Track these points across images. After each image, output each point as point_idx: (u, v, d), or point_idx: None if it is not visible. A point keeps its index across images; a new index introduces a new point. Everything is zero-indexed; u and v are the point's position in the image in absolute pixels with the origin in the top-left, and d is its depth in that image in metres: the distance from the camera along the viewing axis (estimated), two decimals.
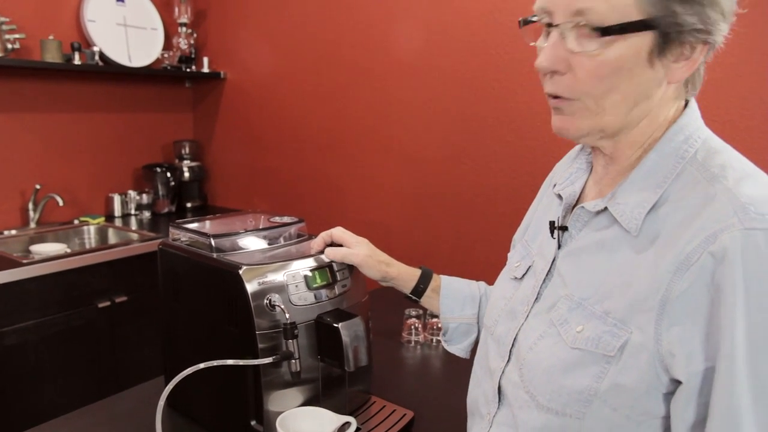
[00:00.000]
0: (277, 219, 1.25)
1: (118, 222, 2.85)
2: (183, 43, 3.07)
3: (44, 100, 2.69)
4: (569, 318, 0.73)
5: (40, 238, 2.55)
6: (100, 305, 2.28)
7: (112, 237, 2.73)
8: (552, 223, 0.81)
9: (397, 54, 2.41)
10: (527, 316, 0.80)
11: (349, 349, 1.01)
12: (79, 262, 2.22)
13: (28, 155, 2.65)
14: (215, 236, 1.11)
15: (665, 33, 0.64)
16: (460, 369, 1.09)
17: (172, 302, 1.19)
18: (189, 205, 3.17)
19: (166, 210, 3.05)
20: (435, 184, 2.37)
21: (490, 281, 2.36)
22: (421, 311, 1.59)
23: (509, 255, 0.97)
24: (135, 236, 2.63)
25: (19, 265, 2.07)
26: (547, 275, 0.80)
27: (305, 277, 1.05)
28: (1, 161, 2.56)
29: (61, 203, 2.60)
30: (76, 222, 2.75)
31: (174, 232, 1.20)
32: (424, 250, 2.42)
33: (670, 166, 0.70)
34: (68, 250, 2.46)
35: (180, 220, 1.22)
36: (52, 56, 2.50)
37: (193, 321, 1.15)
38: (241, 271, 1.00)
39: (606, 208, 0.73)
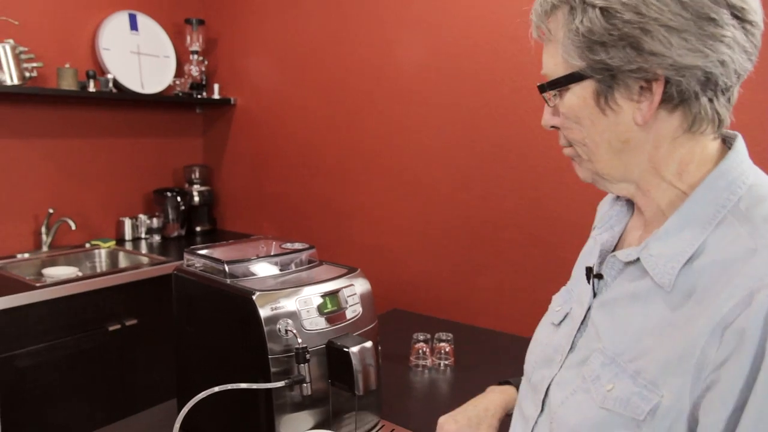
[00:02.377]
0: (289, 245, 1.28)
1: (128, 245, 2.89)
2: (194, 71, 3.14)
3: (59, 127, 2.75)
4: (601, 374, 0.69)
5: (52, 262, 2.59)
6: (111, 328, 2.30)
7: (123, 261, 2.77)
8: (589, 269, 0.78)
9: (404, 81, 2.46)
10: (561, 366, 0.78)
11: (359, 373, 1.03)
12: (91, 285, 2.25)
13: (43, 180, 2.70)
14: (229, 262, 1.14)
15: (600, 79, 0.66)
16: (467, 393, 1.11)
17: (186, 326, 1.21)
18: (198, 229, 3.21)
19: (175, 234, 3.09)
20: (442, 210, 2.40)
21: (496, 309, 2.38)
22: (429, 336, 1.61)
23: (554, 297, 0.92)
24: (145, 260, 2.67)
25: (32, 288, 2.11)
26: (581, 324, 0.77)
27: (317, 302, 1.08)
28: (16, 186, 2.62)
29: (73, 227, 2.64)
30: (87, 245, 2.79)
31: (188, 258, 1.23)
32: (430, 276, 2.44)
33: (709, 215, 0.65)
34: (80, 274, 2.49)
35: (194, 246, 1.26)
36: (68, 84, 2.57)
37: (206, 345, 1.17)
38: (254, 297, 1.02)
39: (638, 259, 0.69)
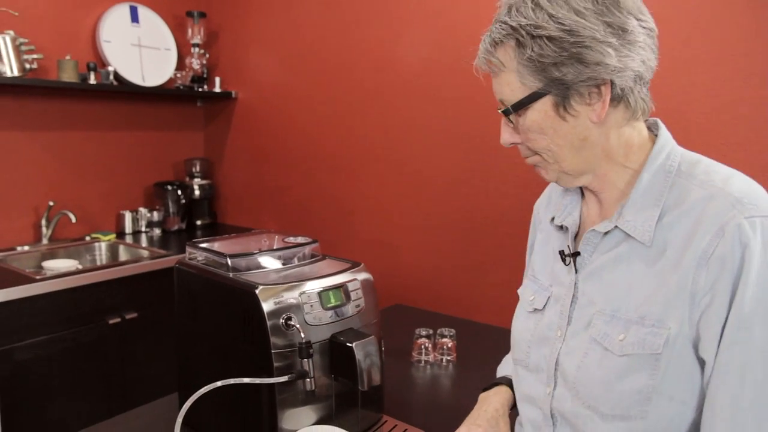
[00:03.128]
0: (291, 239, 1.27)
1: (128, 239, 2.88)
2: (195, 63, 3.12)
3: (59, 119, 2.74)
4: (608, 331, 0.80)
5: (52, 254, 2.58)
6: (111, 322, 2.30)
7: (123, 254, 2.76)
8: (562, 252, 0.90)
9: (406, 75, 2.45)
10: (564, 339, 0.87)
11: (362, 368, 1.03)
12: (91, 278, 2.24)
13: (43, 172, 2.69)
14: (231, 256, 1.13)
15: (557, 93, 0.78)
16: (469, 388, 1.10)
17: (188, 320, 1.20)
18: (199, 222, 3.20)
19: (176, 227, 3.08)
20: (443, 205, 2.39)
21: (499, 305, 2.37)
22: (431, 331, 1.60)
23: (519, 292, 1.02)
24: (145, 253, 2.66)
25: (32, 281, 2.10)
26: (572, 299, 0.87)
27: (320, 296, 1.07)
28: (17, 178, 2.60)
29: (73, 220, 2.63)
30: (87, 238, 2.78)
31: (190, 251, 1.22)
32: (432, 270, 2.43)
33: (661, 181, 0.81)
34: (80, 267, 2.49)
35: (196, 240, 1.24)
36: (69, 76, 2.55)
37: (208, 339, 1.16)
38: (257, 291, 1.01)
39: (616, 227, 0.83)
